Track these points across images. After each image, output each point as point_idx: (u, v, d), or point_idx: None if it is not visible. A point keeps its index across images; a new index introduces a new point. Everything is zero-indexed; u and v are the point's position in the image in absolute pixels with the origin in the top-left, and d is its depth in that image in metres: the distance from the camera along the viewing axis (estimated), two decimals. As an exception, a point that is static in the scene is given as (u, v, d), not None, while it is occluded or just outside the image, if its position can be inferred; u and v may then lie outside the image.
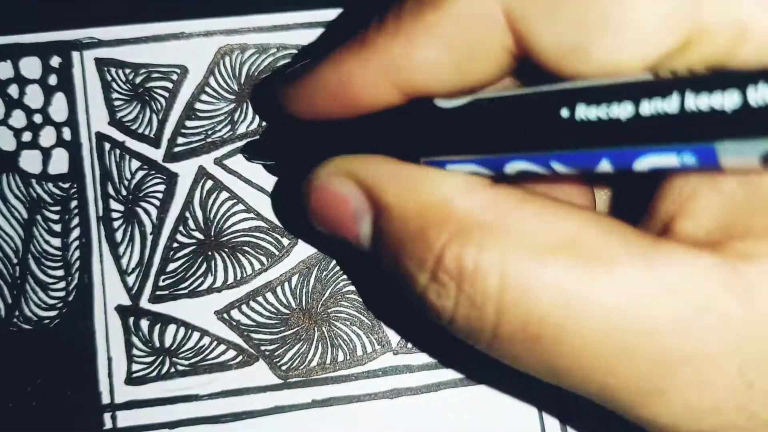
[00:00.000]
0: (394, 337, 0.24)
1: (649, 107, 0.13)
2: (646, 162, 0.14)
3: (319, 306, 0.24)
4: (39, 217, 0.24)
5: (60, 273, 0.24)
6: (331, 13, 0.25)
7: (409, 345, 0.24)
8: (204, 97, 0.25)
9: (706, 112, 0.13)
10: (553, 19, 0.15)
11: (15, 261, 0.24)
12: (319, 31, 0.25)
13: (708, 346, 0.14)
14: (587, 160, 0.15)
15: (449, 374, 0.24)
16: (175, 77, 0.25)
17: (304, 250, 0.25)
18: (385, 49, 0.17)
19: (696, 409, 0.15)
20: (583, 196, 0.19)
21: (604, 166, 0.15)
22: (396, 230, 0.17)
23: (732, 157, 0.13)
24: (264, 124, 0.25)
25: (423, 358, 0.24)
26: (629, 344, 0.15)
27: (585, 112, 0.14)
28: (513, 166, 0.16)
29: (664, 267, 0.14)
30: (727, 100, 0.12)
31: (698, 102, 0.13)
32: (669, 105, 0.13)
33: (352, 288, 0.25)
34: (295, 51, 0.25)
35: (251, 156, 0.24)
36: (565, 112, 0.14)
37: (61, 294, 0.24)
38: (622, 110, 0.14)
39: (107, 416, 0.23)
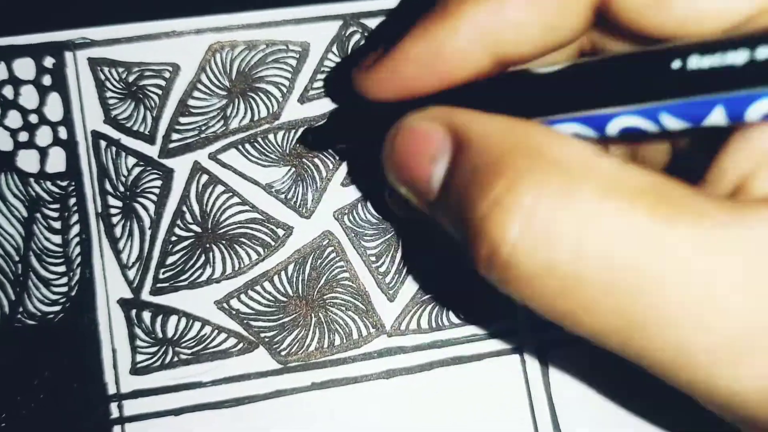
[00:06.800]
0: (387, 320, 0.26)
1: (765, 51, 0.14)
2: (761, 107, 0.14)
3: (315, 293, 0.25)
4: (39, 215, 0.25)
5: (62, 269, 0.25)
6: (317, 9, 0.26)
7: (402, 327, 0.25)
8: (196, 94, 0.26)
9: None
10: None
11: (17, 258, 0.25)
12: (306, 26, 0.26)
13: None
14: (700, 110, 0.15)
15: (441, 354, 0.25)
16: (167, 75, 0.25)
17: (299, 240, 0.26)
18: (474, 16, 0.17)
19: None
20: None
21: (717, 115, 0.15)
22: (471, 161, 0.16)
23: None
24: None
25: (415, 339, 0.25)
26: (718, 300, 0.14)
27: (698, 61, 0.14)
28: (617, 123, 0.16)
29: (753, 222, 0.14)
30: None
31: None
32: None
33: (346, 275, 0.26)
34: (283, 47, 0.26)
35: (316, 146, 0.25)
36: (676, 63, 0.15)
37: (64, 289, 0.25)
38: (738, 56, 0.14)
39: (114, 406, 0.24)
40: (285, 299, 0.25)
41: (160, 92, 0.25)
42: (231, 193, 0.25)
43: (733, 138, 0.16)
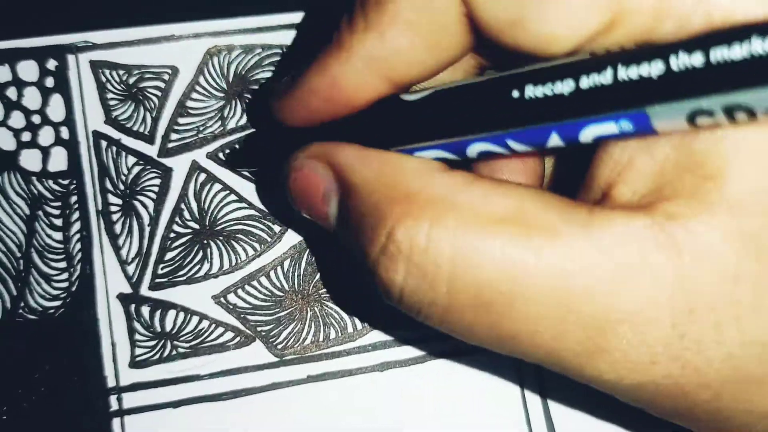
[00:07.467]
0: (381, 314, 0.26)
1: (587, 81, 0.15)
2: (590, 132, 0.16)
3: (311, 287, 0.26)
4: (40, 213, 0.25)
5: (62, 265, 0.25)
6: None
7: (397, 320, 0.26)
8: (195, 96, 0.26)
9: (635, 80, 0.14)
10: None
11: (19, 255, 0.25)
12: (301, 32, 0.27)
13: (642, 302, 0.16)
14: (539, 136, 0.16)
15: (435, 347, 0.26)
16: (166, 77, 0.26)
17: (294, 236, 0.26)
18: (360, 47, 0.18)
19: (636, 363, 0.16)
20: (532, 173, 0.21)
21: (554, 140, 0.16)
22: (356, 206, 0.18)
23: (663, 120, 0.15)
24: (244, 133, 0.26)
25: (410, 332, 0.26)
26: (572, 307, 0.16)
27: (533, 91, 0.16)
28: (474, 148, 0.18)
29: (599, 231, 0.16)
30: (653, 69, 0.14)
31: (629, 72, 0.14)
32: (604, 78, 0.15)
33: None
34: (279, 50, 0.27)
35: (234, 164, 0.26)
36: (515, 93, 0.16)
37: (65, 285, 0.25)
38: (565, 86, 0.15)
39: (113, 398, 0.25)
40: (281, 294, 0.26)
41: (159, 94, 0.26)
42: (228, 191, 0.26)
43: (600, 148, 0.17)
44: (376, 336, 0.26)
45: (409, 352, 0.26)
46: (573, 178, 0.19)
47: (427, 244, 0.16)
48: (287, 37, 0.27)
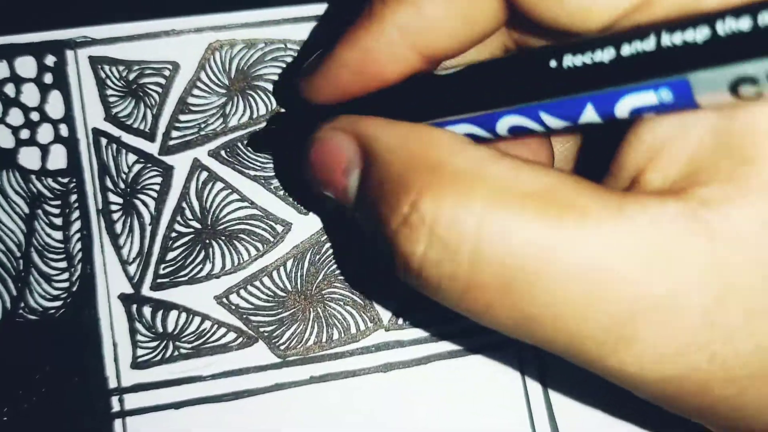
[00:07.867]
0: (385, 314, 0.26)
1: (629, 48, 0.15)
2: (627, 103, 0.15)
3: (314, 288, 0.26)
4: (40, 212, 0.25)
5: (63, 265, 0.25)
6: (315, 9, 0.27)
7: (400, 321, 0.26)
8: (196, 92, 0.26)
9: (679, 45, 0.14)
10: None
11: (18, 254, 0.25)
12: (304, 25, 0.26)
13: (673, 289, 0.15)
14: (573, 108, 0.16)
15: (438, 347, 0.26)
16: (167, 73, 0.26)
17: (297, 236, 0.26)
18: (395, 16, 0.18)
19: (661, 354, 0.15)
20: (546, 159, 0.21)
21: (589, 113, 0.16)
22: (379, 175, 0.17)
23: (704, 89, 0.14)
24: (246, 131, 0.26)
25: (413, 333, 0.26)
26: (599, 291, 0.15)
27: (572, 60, 0.15)
28: (504, 122, 0.17)
29: (632, 215, 0.15)
30: (699, 34, 0.14)
31: (673, 38, 0.14)
32: (647, 44, 0.14)
33: (344, 269, 0.26)
34: (282, 45, 0.26)
35: (257, 148, 0.25)
36: (553, 63, 0.16)
37: (65, 285, 0.25)
38: (606, 54, 0.15)
39: (115, 399, 0.24)
40: (284, 294, 0.26)
41: (160, 90, 0.26)
42: (230, 190, 0.26)
43: (629, 133, 0.17)
44: (379, 337, 0.26)
45: (412, 352, 0.26)
46: (593, 171, 0.18)
47: (452, 216, 0.16)
48: (290, 32, 0.26)
